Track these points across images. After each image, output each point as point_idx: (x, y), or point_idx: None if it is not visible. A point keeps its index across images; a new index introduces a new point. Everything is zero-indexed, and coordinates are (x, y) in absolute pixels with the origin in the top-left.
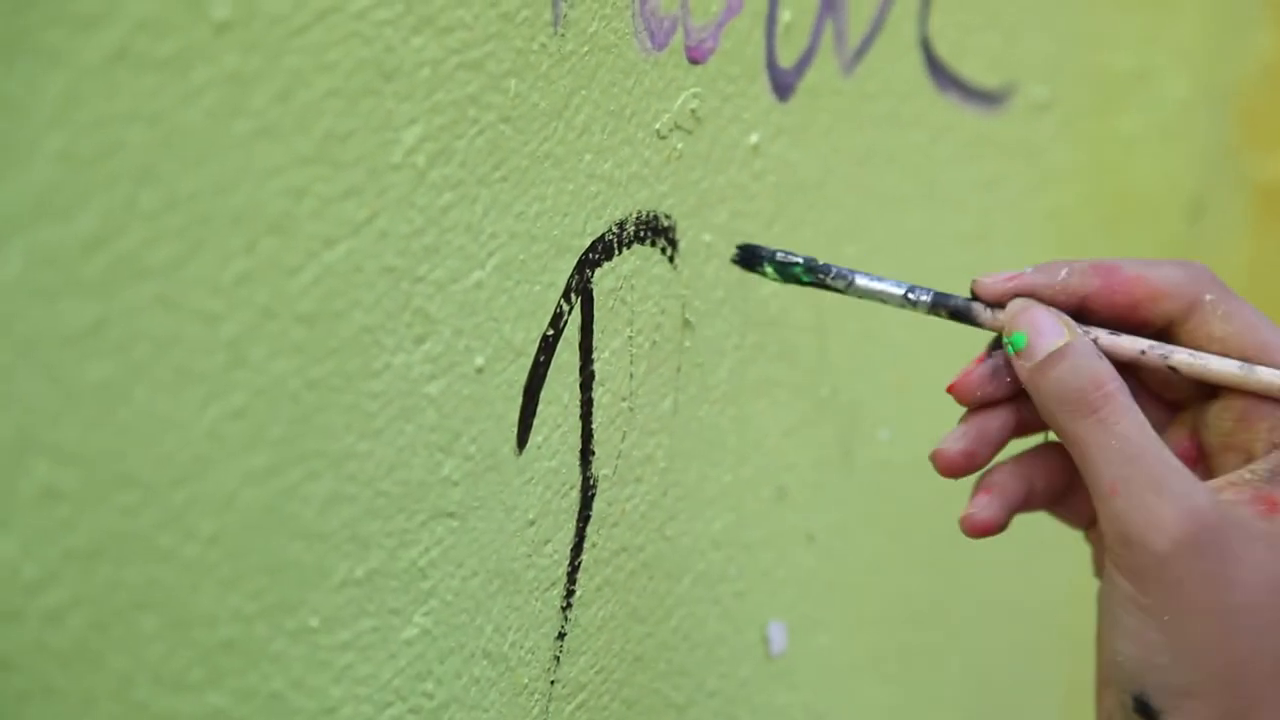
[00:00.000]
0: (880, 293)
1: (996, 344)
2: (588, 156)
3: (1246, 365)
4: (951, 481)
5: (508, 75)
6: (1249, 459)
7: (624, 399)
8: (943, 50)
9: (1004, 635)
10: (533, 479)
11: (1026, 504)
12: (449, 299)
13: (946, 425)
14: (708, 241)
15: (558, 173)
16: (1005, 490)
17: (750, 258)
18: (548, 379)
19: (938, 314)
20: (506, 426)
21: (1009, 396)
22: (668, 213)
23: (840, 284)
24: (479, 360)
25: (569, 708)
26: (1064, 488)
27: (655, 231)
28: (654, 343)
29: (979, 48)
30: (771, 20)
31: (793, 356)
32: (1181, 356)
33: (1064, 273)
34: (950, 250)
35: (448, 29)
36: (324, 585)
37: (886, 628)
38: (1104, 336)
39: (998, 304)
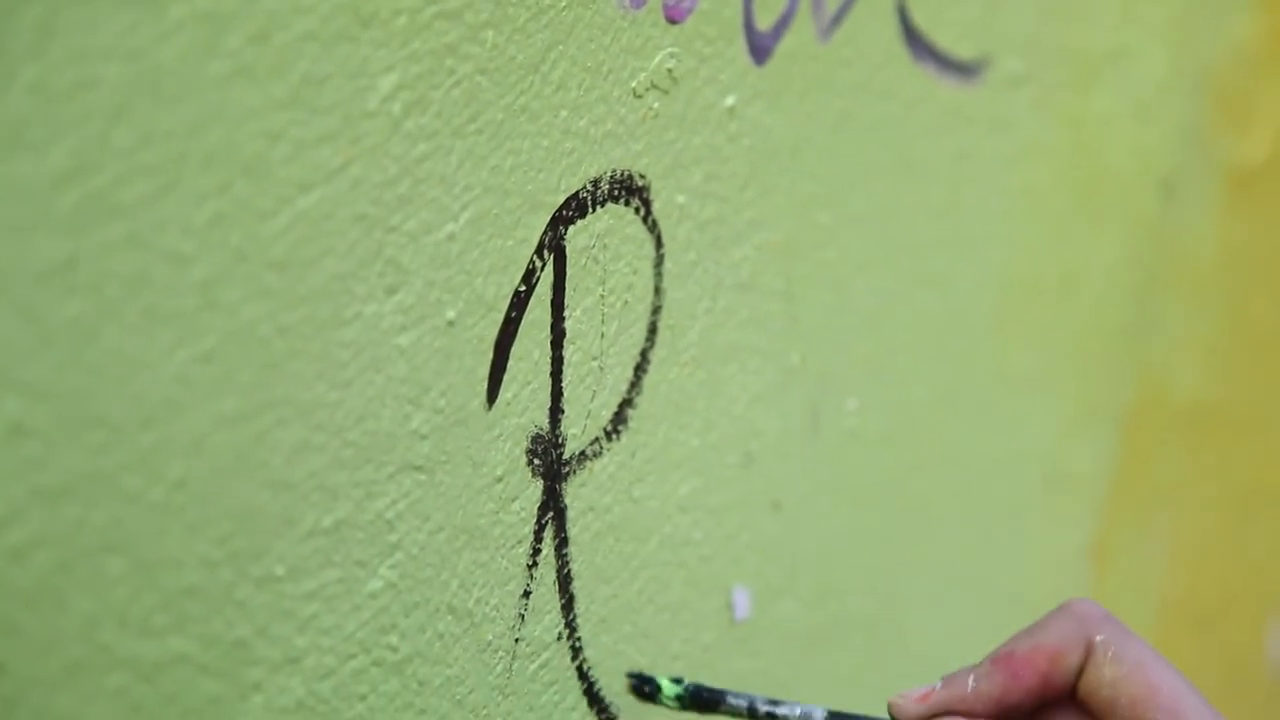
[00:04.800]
0: (779, 717)
1: None
2: (563, 112)
3: None
4: (917, 453)
5: (485, 26)
6: None
7: (594, 358)
8: (919, 19)
9: (967, 607)
10: (501, 435)
11: None
12: (421, 250)
13: (914, 397)
14: (681, 203)
15: (533, 127)
16: None
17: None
18: (519, 335)
19: None
20: (476, 381)
21: None
22: (642, 172)
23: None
24: (450, 313)
25: (532, 666)
26: None
27: (629, 191)
28: (625, 302)
29: (955, 18)
30: None
31: (763, 322)
32: None
33: (971, 681)
34: (921, 222)
35: None
36: (290, 534)
37: (850, 597)
38: None
39: None
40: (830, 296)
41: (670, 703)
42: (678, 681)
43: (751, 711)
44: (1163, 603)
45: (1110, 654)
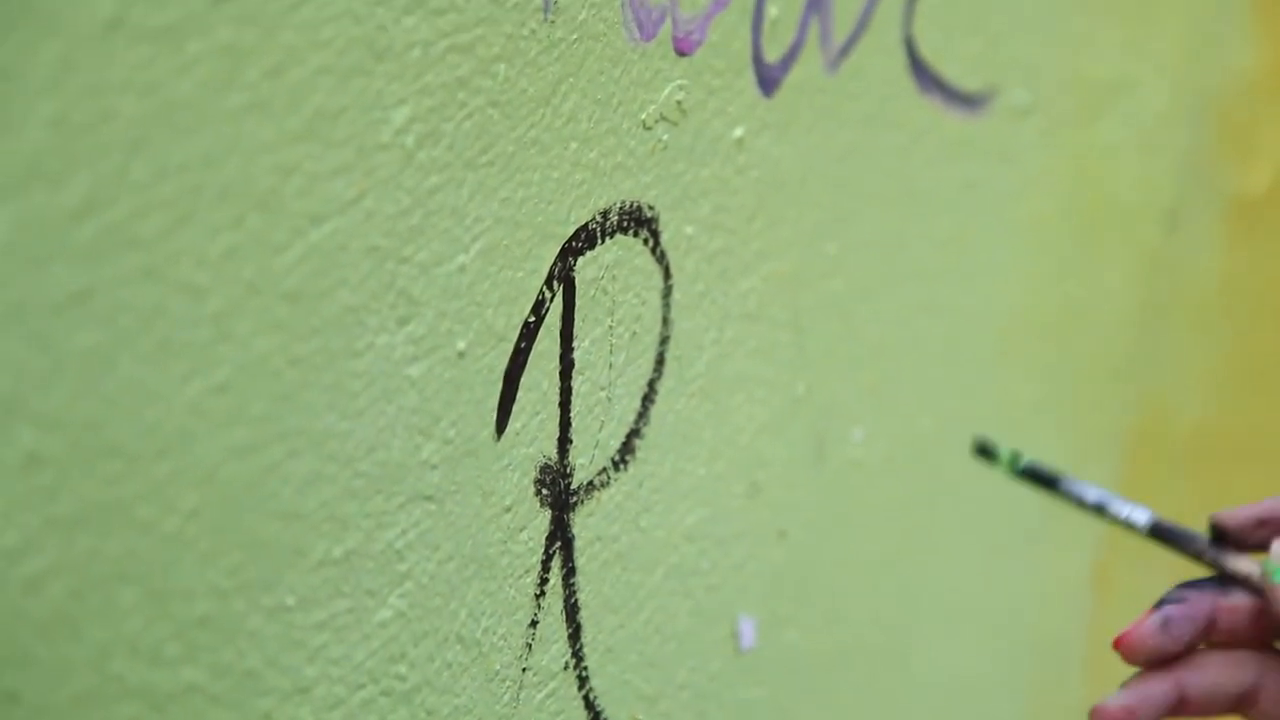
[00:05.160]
0: (1100, 506)
1: (1163, 600)
2: (573, 144)
3: None
4: (923, 482)
5: (497, 60)
6: None
7: (603, 389)
8: (926, 51)
9: (971, 637)
10: (510, 465)
11: (1177, 710)
12: (432, 281)
13: (919, 426)
14: (690, 234)
15: (543, 159)
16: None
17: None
18: (528, 365)
19: (1155, 541)
20: (486, 411)
21: (1180, 655)
22: (651, 204)
23: (1078, 493)
24: (461, 344)
25: (539, 695)
26: (1235, 698)
27: (638, 222)
28: (634, 333)
29: (962, 50)
30: (758, 15)
31: (769, 353)
32: None
33: None
34: (927, 252)
35: (439, 11)
36: (301, 564)
37: (855, 627)
38: None
39: (1239, 537)
40: (837, 326)
41: (1005, 470)
42: (1016, 459)
43: (1080, 501)
44: None
45: None
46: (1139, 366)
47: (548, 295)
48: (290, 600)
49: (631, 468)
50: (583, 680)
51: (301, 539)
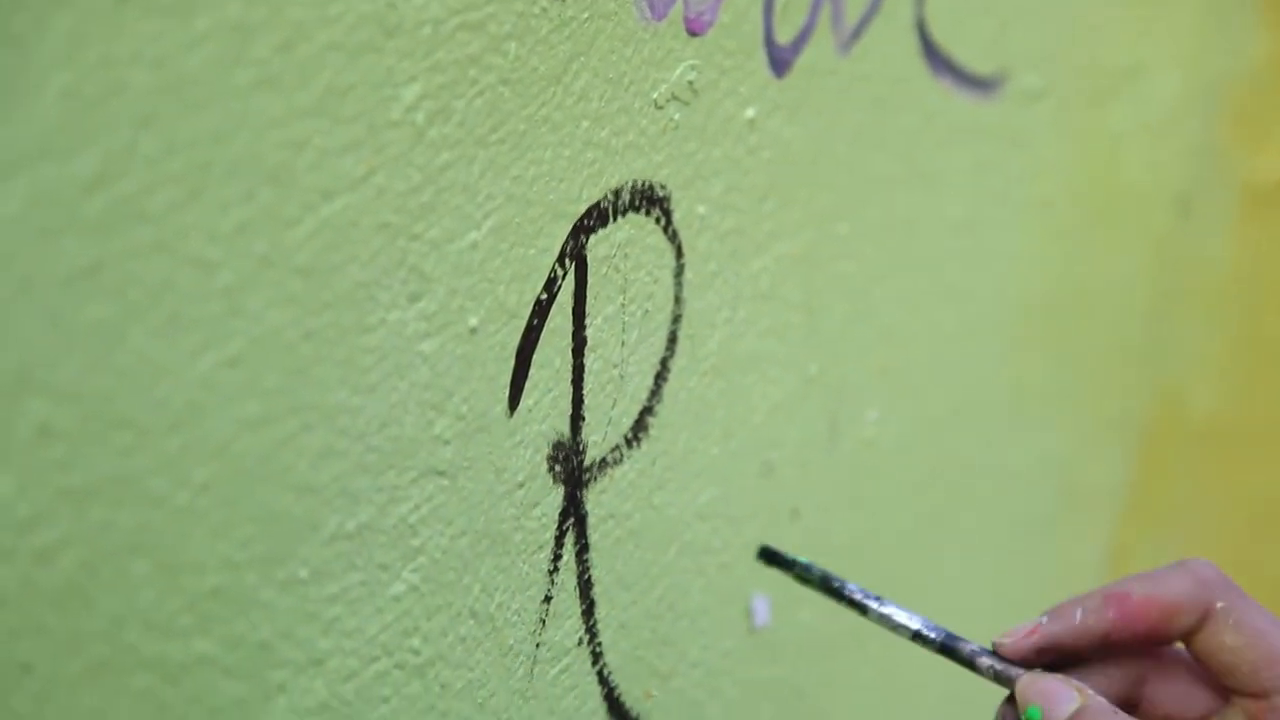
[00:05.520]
0: (893, 624)
1: (1005, 705)
2: (585, 123)
3: None
4: (935, 464)
5: (508, 38)
6: None
7: (615, 366)
8: (938, 34)
9: (983, 618)
10: (523, 441)
11: None
12: (444, 258)
13: (932, 408)
14: (702, 214)
15: (555, 138)
16: None
17: (772, 559)
18: (540, 343)
19: (946, 657)
20: (498, 388)
21: None
22: (663, 183)
23: (855, 610)
24: (473, 321)
25: (553, 671)
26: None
27: (650, 201)
28: (646, 311)
29: (974, 33)
30: None
31: (782, 333)
32: None
33: (1079, 614)
34: (939, 234)
35: None
36: (314, 538)
37: None
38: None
39: (1022, 662)
40: (849, 308)
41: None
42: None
43: (864, 607)
44: None
45: (1231, 620)
46: (1151, 352)
47: (560, 273)
48: (303, 573)
49: (644, 445)
50: (596, 656)
51: (314, 513)
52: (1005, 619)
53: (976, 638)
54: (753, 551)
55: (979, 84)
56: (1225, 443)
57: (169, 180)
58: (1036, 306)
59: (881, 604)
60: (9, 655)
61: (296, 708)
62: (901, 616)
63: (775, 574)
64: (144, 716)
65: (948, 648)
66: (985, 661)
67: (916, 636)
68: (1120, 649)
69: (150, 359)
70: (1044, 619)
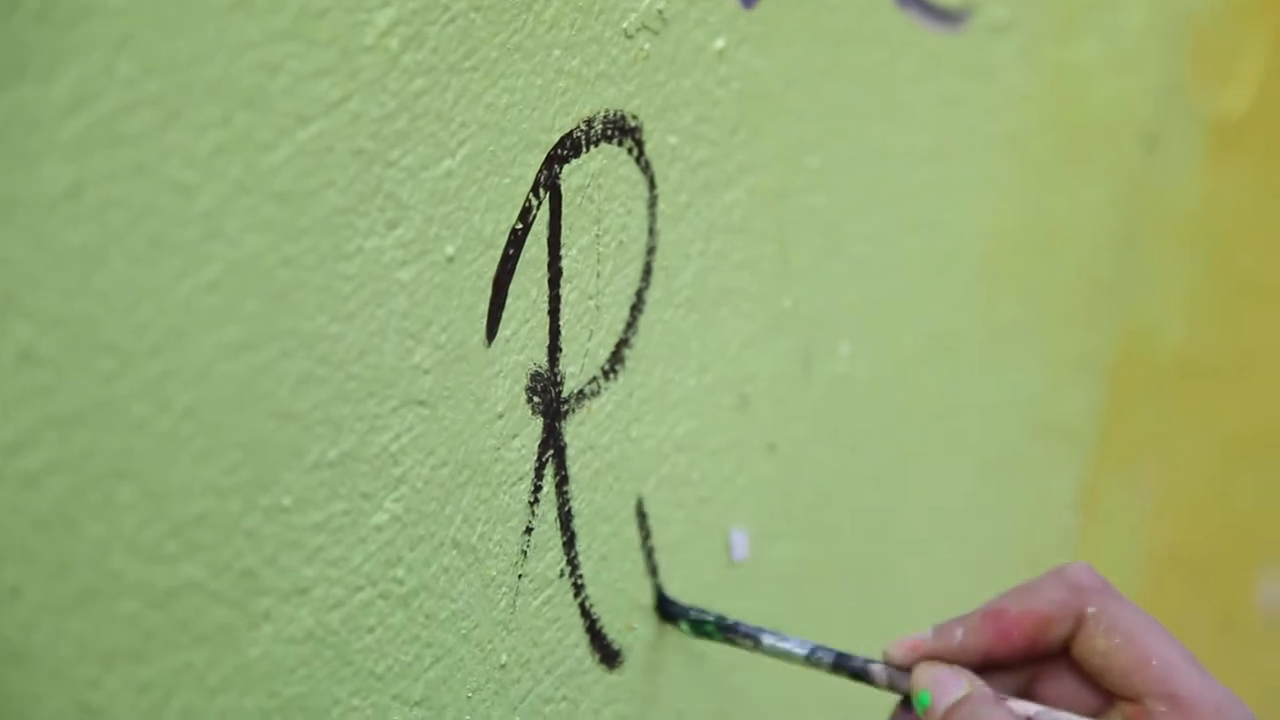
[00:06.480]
0: (785, 652)
1: (900, 708)
2: (556, 52)
3: None
4: (908, 398)
5: None
6: None
7: (591, 297)
8: None
9: (957, 550)
10: (501, 372)
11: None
12: (420, 185)
13: (904, 342)
14: (673, 144)
15: (527, 66)
16: None
17: (667, 611)
18: (516, 272)
19: (839, 674)
20: (476, 317)
21: None
22: (634, 113)
23: (748, 644)
24: (449, 249)
25: (535, 602)
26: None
27: (622, 131)
28: (620, 243)
29: None
30: None
31: (755, 266)
32: None
33: (959, 633)
34: (909, 167)
35: None
36: (297, 465)
37: (844, 540)
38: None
39: (905, 668)
40: (821, 241)
41: (686, 631)
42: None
43: (756, 642)
44: (1150, 552)
45: (1103, 626)
46: (1120, 287)
47: (534, 202)
48: (287, 501)
49: (621, 377)
50: (578, 588)
51: (296, 440)
52: (980, 551)
53: (952, 570)
54: (733, 485)
55: (945, 16)
56: (1195, 376)
57: (147, 102)
58: (1006, 240)
59: (774, 636)
60: None
61: (282, 636)
62: (792, 645)
63: (754, 508)
64: (131, 641)
65: (841, 665)
66: (878, 670)
67: (808, 660)
68: (1005, 662)
69: (131, 282)
70: (929, 634)
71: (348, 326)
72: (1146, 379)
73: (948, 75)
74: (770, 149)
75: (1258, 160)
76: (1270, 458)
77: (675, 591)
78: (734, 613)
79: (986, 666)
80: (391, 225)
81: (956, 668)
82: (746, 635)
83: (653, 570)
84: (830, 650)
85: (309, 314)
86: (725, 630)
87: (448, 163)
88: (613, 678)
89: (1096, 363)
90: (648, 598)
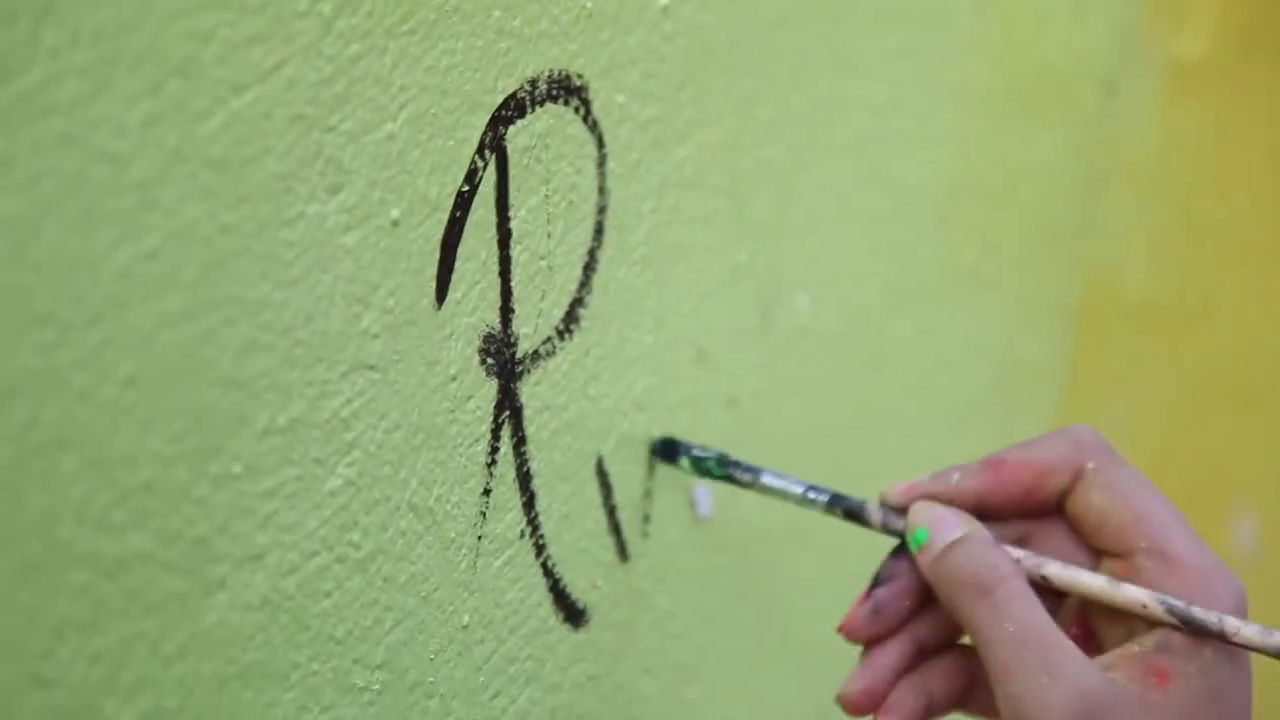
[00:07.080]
0: (782, 490)
1: (876, 582)
2: (496, 12)
3: (1113, 581)
4: (870, 349)
5: None
6: (1131, 632)
7: (542, 258)
8: None
9: None
10: (453, 334)
11: (929, 713)
12: (361, 150)
13: (864, 293)
14: (621, 103)
15: (466, 27)
16: (904, 708)
17: (668, 451)
18: (465, 235)
19: (833, 514)
20: (425, 281)
21: (898, 628)
22: (579, 72)
23: (747, 479)
24: (394, 213)
25: (496, 563)
26: (965, 688)
27: (567, 91)
28: (570, 202)
29: None
30: None
31: (709, 220)
32: (1053, 568)
33: (956, 476)
34: (862, 119)
35: None
36: (245, 432)
37: None
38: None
39: (901, 509)
40: (774, 194)
41: (687, 469)
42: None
43: (755, 478)
44: None
45: (1100, 481)
46: (1081, 233)
47: (480, 164)
48: (236, 468)
49: (577, 337)
50: (540, 548)
51: (243, 407)
52: None
53: None
54: (694, 440)
55: None
56: (1160, 317)
57: (73, 73)
58: (964, 188)
59: (773, 474)
60: None
61: (238, 603)
62: (789, 483)
63: None
64: (82, 612)
65: (835, 504)
66: (873, 509)
67: (804, 499)
68: (999, 512)
69: (66, 253)
70: (926, 477)
71: (292, 293)
72: (1112, 320)
73: (899, 25)
74: (720, 103)
75: (1215, 102)
76: (1239, 397)
77: (640, 550)
78: (701, 570)
79: (981, 515)
80: (333, 190)
81: (955, 509)
82: (747, 470)
83: (615, 529)
84: (826, 490)
85: (251, 281)
86: (726, 467)
87: (389, 126)
88: (578, 636)
89: (1061, 307)
90: (611, 556)
